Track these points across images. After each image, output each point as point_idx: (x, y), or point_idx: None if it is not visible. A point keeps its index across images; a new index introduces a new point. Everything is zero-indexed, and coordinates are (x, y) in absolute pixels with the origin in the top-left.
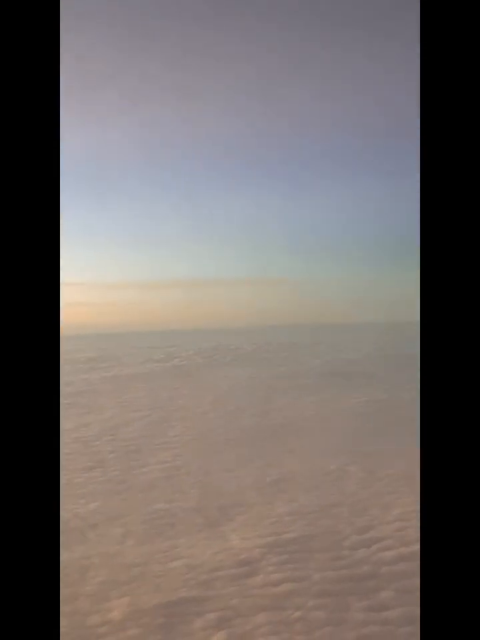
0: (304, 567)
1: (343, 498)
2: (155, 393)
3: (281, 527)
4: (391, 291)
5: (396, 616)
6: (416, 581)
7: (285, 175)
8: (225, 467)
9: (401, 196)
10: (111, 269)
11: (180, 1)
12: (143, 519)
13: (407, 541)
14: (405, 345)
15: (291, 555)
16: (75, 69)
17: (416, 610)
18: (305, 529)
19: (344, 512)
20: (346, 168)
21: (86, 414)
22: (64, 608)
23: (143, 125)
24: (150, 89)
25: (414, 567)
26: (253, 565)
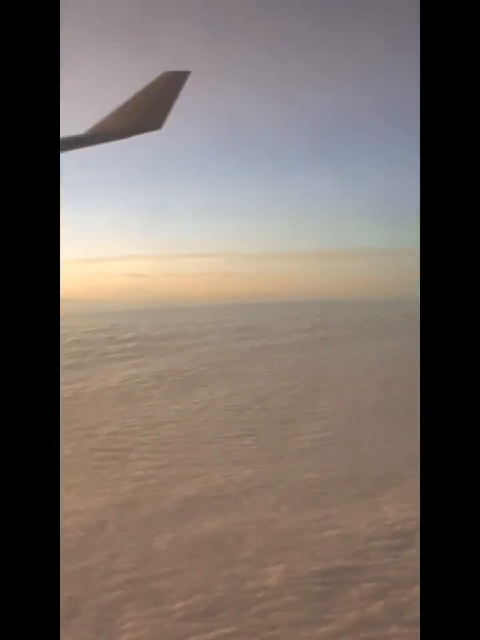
0: None
1: None
2: (304, 363)
3: None
4: None
5: None
6: None
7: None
8: (376, 438)
9: None
10: (256, 239)
11: None
12: (296, 488)
13: None
14: None
15: None
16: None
17: None
18: None
19: None
20: None
21: (237, 383)
22: (222, 573)
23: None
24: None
25: None
26: (409, 537)
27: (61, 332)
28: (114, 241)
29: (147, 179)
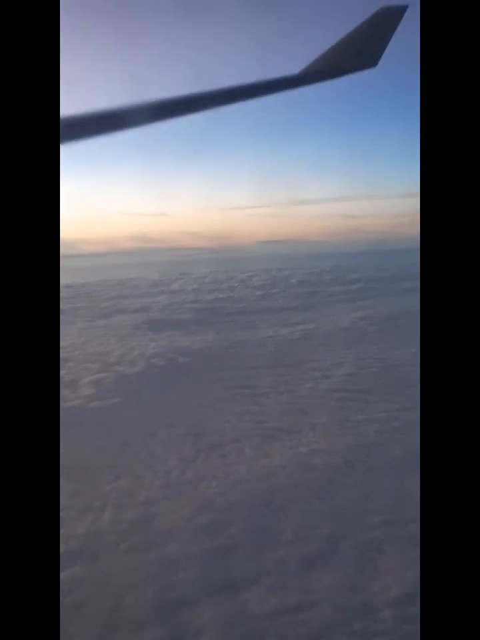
0: None
1: None
2: None
3: None
4: None
5: None
6: None
7: None
8: None
9: None
10: None
11: None
12: None
13: None
14: None
15: None
16: None
17: None
18: None
19: None
20: None
21: None
22: None
23: None
24: None
25: None
26: None
27: (285, 273)
28: (326, 182)
29: (359, 118)
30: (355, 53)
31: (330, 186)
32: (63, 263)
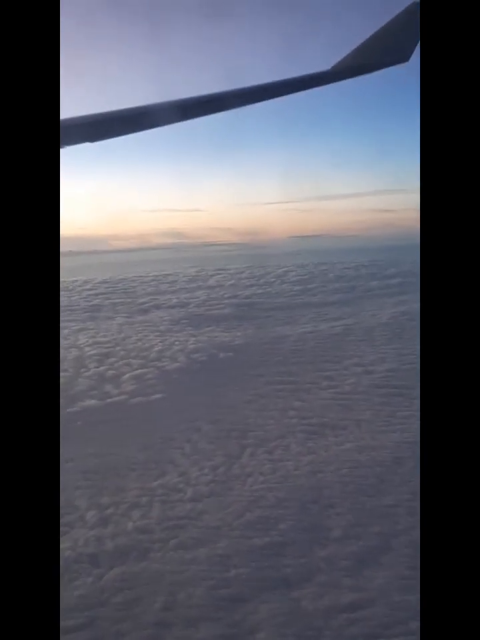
0: None
1: None
2: None
3: None
4: None
5: None
6: None
7: None
8: None
9: None
10: None
11: None
12: None
13: None
14: None
15: None
16: None
17: None
18: None
19: None
20: None
21: None
22: None
23: None
24: None
25: None
26: None
27: (322, 268)
28: (358, 176)
29: (391, 113)
30: (387, 49)
31: (363, 180)
32: (97, 259)
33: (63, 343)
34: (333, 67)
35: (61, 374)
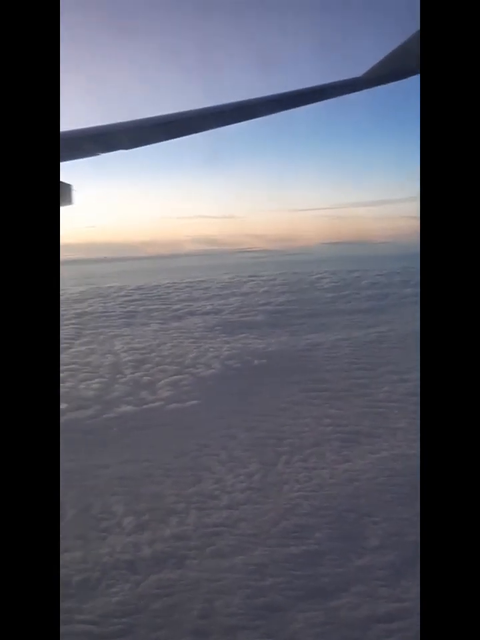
0: None
1: None
2: None
3: None
4: None
5: None
6: None
7: None
8: None
9: None
10: None
11: None
12: None
13: None
14: None
15: None
16: None
17: None
18: None
19: None
20: None
21: None
22: None
23: None
24: None
25: None
26: None
27: (355, 275)
28: (390, 183)
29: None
30: (418, 56)
31: (394, 187)
32: (131, 265)
33: (98, 349)
34: (365, 73)
35: (98, 380)
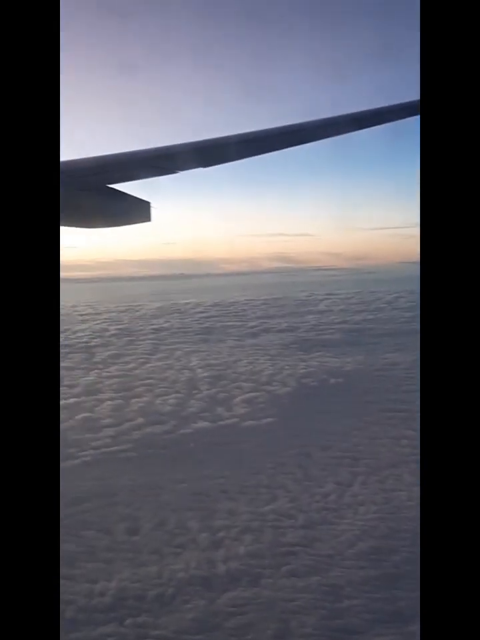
0: None
1: None
2: None
3: None
4: None
5: None
6: None
7: None
8: None
9: None
10: None
11: None
12: None
13: None
14: None
15: None
16: None
17: None
18: None
19: None
20: None
21: None
22: None
23: None
24: None
25: None
26: None
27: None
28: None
29: None
30: None
31: None
32: (209, 282)
33: (175, 364)
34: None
35: (174, 395)
